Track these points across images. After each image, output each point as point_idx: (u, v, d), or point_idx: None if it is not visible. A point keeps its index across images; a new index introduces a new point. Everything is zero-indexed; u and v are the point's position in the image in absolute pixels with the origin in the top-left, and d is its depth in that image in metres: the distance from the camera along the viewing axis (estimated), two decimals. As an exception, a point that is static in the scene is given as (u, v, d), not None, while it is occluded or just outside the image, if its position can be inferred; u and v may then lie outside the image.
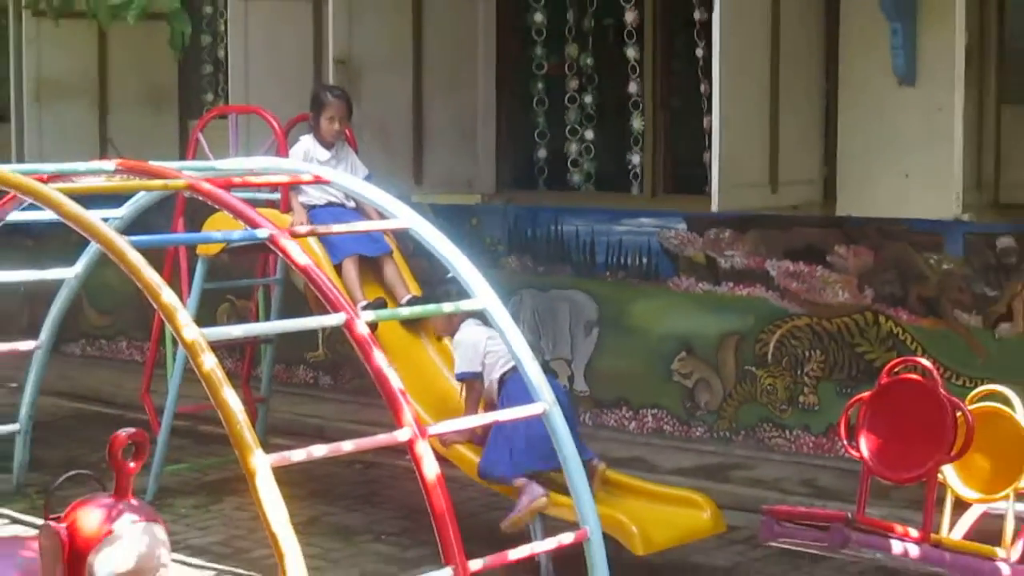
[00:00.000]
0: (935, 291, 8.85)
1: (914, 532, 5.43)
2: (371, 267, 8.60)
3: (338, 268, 8.31)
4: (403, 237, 8.00)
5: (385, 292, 8.50)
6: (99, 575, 4.95)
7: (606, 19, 10.65)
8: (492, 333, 7.40)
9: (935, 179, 8.56)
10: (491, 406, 7.47)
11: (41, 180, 6.05)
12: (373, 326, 7.23)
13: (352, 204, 8.55)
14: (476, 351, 7.56)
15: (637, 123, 10.39)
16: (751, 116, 8.78)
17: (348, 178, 7.29)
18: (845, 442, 5.63)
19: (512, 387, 7.24)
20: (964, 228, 8.66)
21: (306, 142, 8.76)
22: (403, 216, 6.81)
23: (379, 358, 5.70)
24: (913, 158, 8.84)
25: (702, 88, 10.00)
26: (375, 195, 6.94)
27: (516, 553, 6.25)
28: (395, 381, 5.70)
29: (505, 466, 7.30)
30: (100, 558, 4.95)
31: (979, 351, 8.67)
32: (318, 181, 7.28)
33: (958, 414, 5.39)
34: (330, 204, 8.61)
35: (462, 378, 7.65)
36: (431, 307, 7.74)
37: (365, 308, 7.96)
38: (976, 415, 5.53)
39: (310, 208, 8.59)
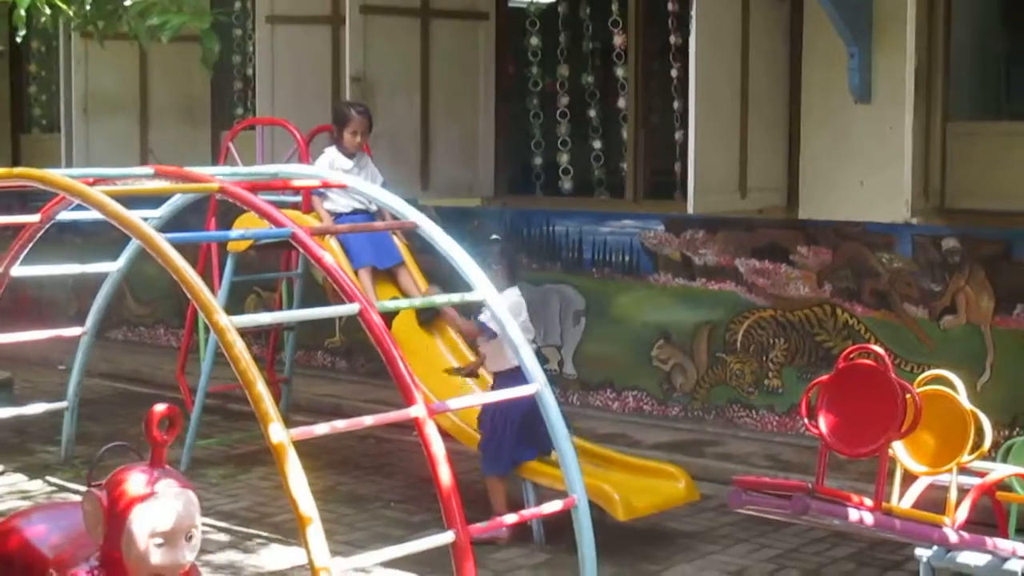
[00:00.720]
0: (886, 286, 8.84)
1: (868, 501, 5.40)
2: (387, 276, 8.56)
3: (355, 275, 8.25)
4: (411, 235, 7.98)
5: (401, 296, 8.45)
6: (136, 534, 4.93)
7: (595, 42, 10.63)
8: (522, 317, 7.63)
9: (887, 187, 8.55)
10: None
11: (87, 183, 6.03)
12: (389, 318, 7.30)
13: (375, 209, 8.47)
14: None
15: (620, 136, 10.37)
16: (723, 129, 8.77)
17: (366, 184, 7.26)
18: (806, 420, 5.61)
19: (500, 383, 7.22)
20: (913, 230, 8.65)
21: (330, 153, 8.65)
22: (411, 216, 6.79)
23: (390, 343, 5.69)
24: (868, 168, 8.84)
25: (675, 105, 10.00)
26: (389, 198, 6.92)
27: (511, 519, 6.25)
28: (405, 364, 5.68)
29: (504, 464, 7.30)
30: (137, 519, 4.93)
31: (925, 340, 8.66)
32: (339, 186, 7.27)
33: (907, 396, 5.37)
34: (355, 211, 8.51)
35: (481, 328, 7.53)
36: (440, 298, 7.73)
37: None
38: (923, 397, 5.51)
39: (337, 215, 8.49)
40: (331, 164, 8.50)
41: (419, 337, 8.32)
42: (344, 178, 7.19)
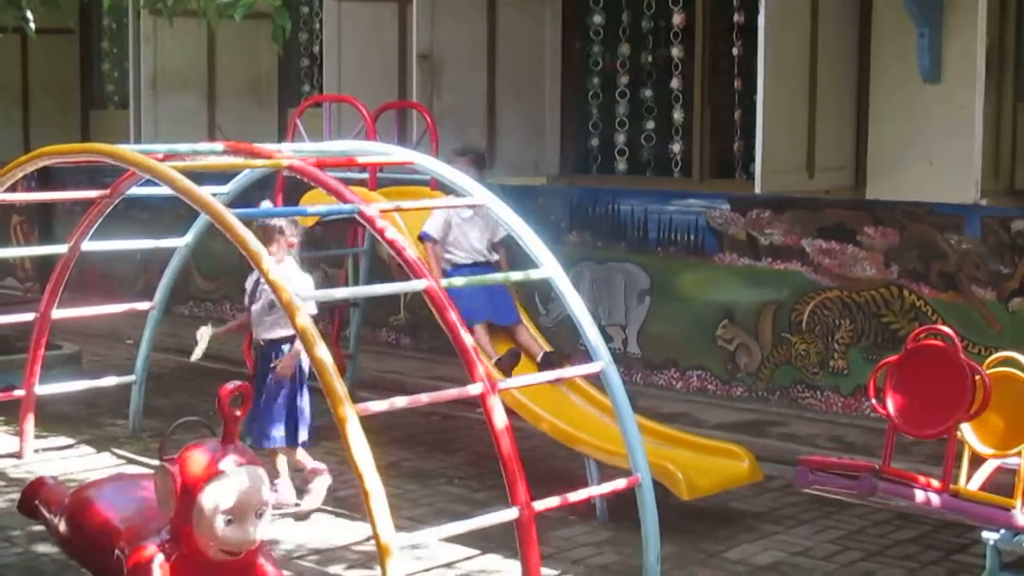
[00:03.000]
0: (954, 268, 8.76)
1: (935, 483, 5.37)
2: (504, 332, 8.28)
3: (472, 331, 7.59)
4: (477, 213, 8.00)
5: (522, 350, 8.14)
6: (207, 509, 4.98)
7: (658, 21, 10.59)
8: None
9: (956, 167, 8.49)
10: None
11: (157, 159, 6.08)
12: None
13: (496, 258, 8.21)
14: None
15: (684, 115, 10.34)
16: (791, 109, 8.72)
17: (436, 163, 7.24)
18: (873, 401, 5.57)
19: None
20: (982, 212, 8.56)
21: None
22: (479, 194, 6.80)
23: (455, 319, 5.70)
24: (937, 148, 8.77)
25: (736, 84, 9.95)
26: (456, 176, 6.93)
27: (575, 496, 6.25)
28: (469, 341, 5.70)
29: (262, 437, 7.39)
30: (208, 494, 4.98)
31: (993, 322, 8.58)
32: (404, 163, 7.28)
33: (976, 377, 5.32)
34: (475, 263, 8.17)
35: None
36: (498, 275, 7.74)
37: (497, 362, 7.79)
38: (992, 378, 5.46)
39: (455, 266, 8.14)
40: (447, 214, 8.09)
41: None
42: (410, 155, 7.20)
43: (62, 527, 5.73)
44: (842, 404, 9.24)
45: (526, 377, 7.04)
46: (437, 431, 9.24)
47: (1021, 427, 5.65)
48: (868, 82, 9.13)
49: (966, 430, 5.68)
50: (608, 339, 9.97)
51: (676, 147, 10.48)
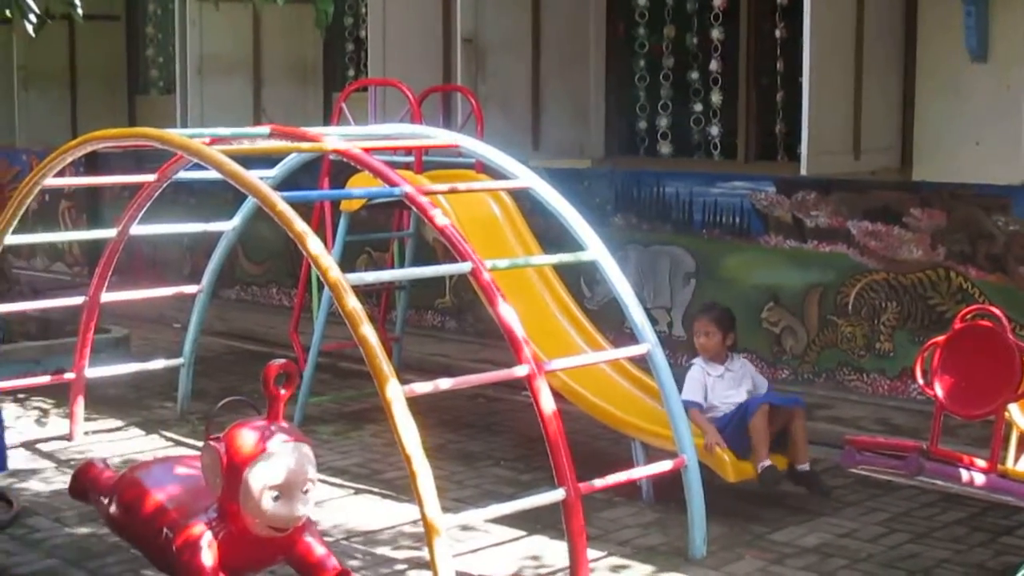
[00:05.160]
0: (1002, 250, 8.71)
1: (981, 463, 5.36)
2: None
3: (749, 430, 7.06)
4: (521, 196, 8.00)
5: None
6: (254, 487, 5.03)
7: (703, 3, 10.55)
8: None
9: (1003, 148, 8.44)
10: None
11: (205, 143, 6.12)
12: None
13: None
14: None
15: (730, 97, 10.30)
16: (836, 90, 8.68)
17: (482, 146, 7.24)
18: (920, 381, 5.56)
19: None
20: (1030, 193, 8.52)
21: (698, 362, 7.39)
22: (524, 177, 6.82)
23: (502, 303, 5.72)
24: (984, 129, 8.70)
25: (778, 66, 9.92)
26: (501, 159, 6.95)
27: (621, 477, 6.27)
28: (516, 323, 5.71)
29: None
30: (255, 472, 5.03)
31: (1041, 304, 8.54)
32: (449, 146, 7.30)
33: (1024, 358, 5.32)
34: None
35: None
36: (544, 258, 7.76)
37: (764, 469, 6.98)
38: (1040, 359, 5.45)
39: (719, 417, 7.22)
40: (700, 373, 7.34)
41: (529, 297, 8.32)
42: (456, 138, 7.22)
43: (112, 508, 5.79)
44: (888, 387, 9.20)
45: (572, 359, 7.05)
46: (483, 413, 9.27)
47: (1070, 408, 5.64)
48: (914, 62, 9.07)
49: (1014, 410, 5.66)
50: (654, 322, 9.92)
51: (715, 130, 10.45)
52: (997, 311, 5.63)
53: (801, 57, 8.52)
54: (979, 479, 5.32)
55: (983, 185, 8.72)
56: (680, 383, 6.80)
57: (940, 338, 5.56)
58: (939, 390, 5.46)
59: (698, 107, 10.57)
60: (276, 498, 5.02)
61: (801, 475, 7.10)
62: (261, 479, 4.99)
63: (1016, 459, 5.71)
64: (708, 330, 7.39)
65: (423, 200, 6.00)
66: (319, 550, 5.31)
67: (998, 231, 8.70)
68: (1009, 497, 5.50)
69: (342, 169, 7.65)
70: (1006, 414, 5.53)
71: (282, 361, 5.17)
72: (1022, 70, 8.11)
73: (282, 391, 5.16)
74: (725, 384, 7.29)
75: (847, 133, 8.81)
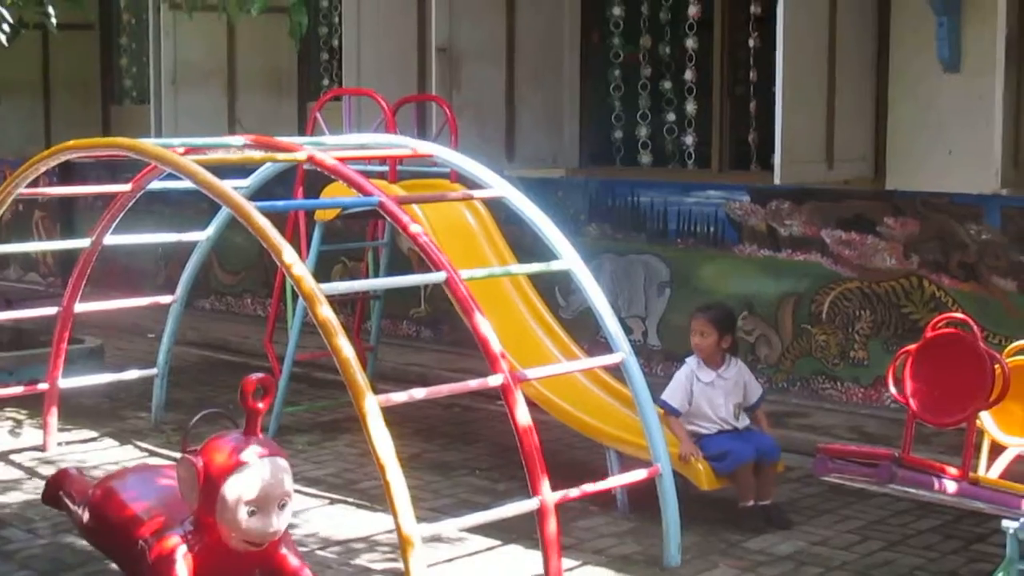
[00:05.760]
0: (974, 258, 8.76)
1: (953, 471, 5.40)
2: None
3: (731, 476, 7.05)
4: (496, 206, 8.02)
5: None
6: (230, 501, 5.03)
7: (677, 12, 10.59)
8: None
9: (976, 157, 8.48)
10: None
11: (178, 153, 6.13)
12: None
13: (743, 426, 7.18)
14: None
15: (704, 106, 10.34)
16: (810, 99, 8.72)
17: (456, 156, 7.27)
18: (893, 389, 5.59)
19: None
20: (1002, 201, 8.56)
21: (691, 363, 7.23)
22: (499, 187, 6.84)
23: (476, 312, 5.74)
24: (956, 138, 8.77)
25: (752, 76, 9.97)
26: (474, 168, 6.97)
27: (596, 486, 6.29)
28: (491, 333, 5.73)
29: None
30: (231, 486, 5.02)
31: (1013, 312, 8.58)
32: (424, 156, 7.31)
33: (995, 366, 5.34)
34: (721, 431, 7.12)
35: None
36: (518, 267, 7.77)
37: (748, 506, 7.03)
38: (1012, 367, 5.48)
39: (696, 438, 7.08)
40: (688, 375, 7.18)
41: (504, 306, 8.34)
42: (430, 148, 7.23)
43: (86, 518, 5.78)
44: (862, 395, 9.25)
45: (546, 368, 7.07)
46: (458, 423, 9.28)
47: (1041, 416, 5.68)
48: (887, 72, 9.13)
49: (985, 418, 5.71)
50: (628, 331, 9.97)
51: (689, 139, 10.49)
52: (968, 319, 5.66)
53: (775, 67, 8.57)
54: (951, 487, 5.35)
55: (956, 194, 8.77)
56: (655, 392, 6.82)
57: (912, 347, 5.59)
58: (911, 398, 5.50)
59: (672, 116, 10.61)
60: (252, 512, 5.02)
61: (763, 508, 7.07)
62: (238, 493, 4.99)
63: (988, 467, 5.75)
64: (704, 330, 7.19)
65: (397, 210, 6.01)
66: (294, 561, 5.31)
67: (971, 240, 8.76)
68: (981, 504, 5.53)
69: (316, 179, 7.65)
70: (977, 422, 5.56)
71: (259, 375, 5.18)
72: (994, 80, 8.16)
73: (260, 405, 5.16)
74: (714, 393, 7.12)
75: (820, 142, 8.86)
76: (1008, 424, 5.76)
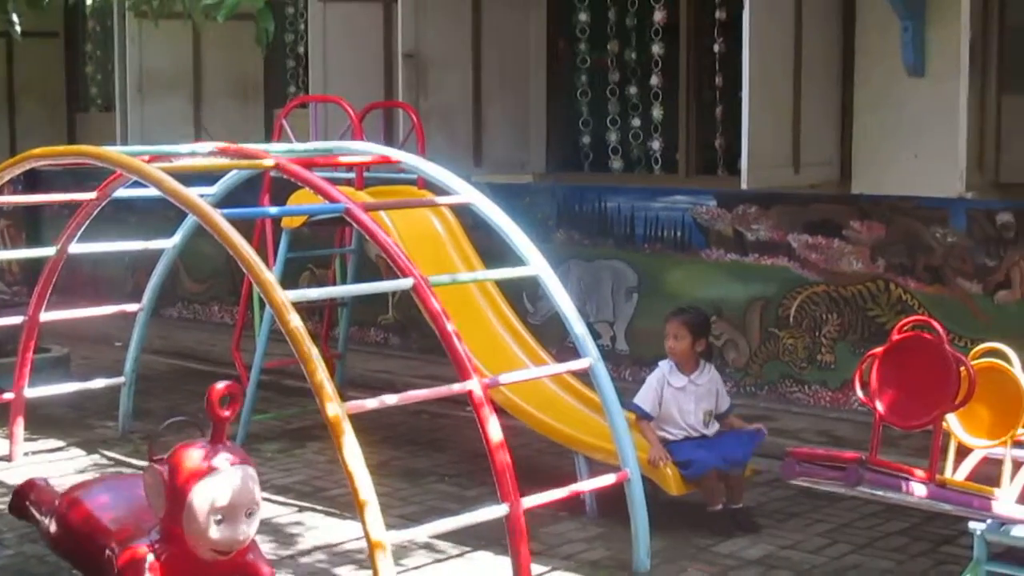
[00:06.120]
0: (940, 261, 8.81)
1: (921, 473, 5.41)
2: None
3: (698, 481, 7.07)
4: (464, 212, 8.02)
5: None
6: (197, 510, 5.01)
7: (644, 18, 10.62)
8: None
9: (941, 161, 8.53)
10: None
11: (144, 161, 6.11)
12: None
13: (711, 432, 7.17)
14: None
15: (671, 112, 10.37)
16: (776, 104, 8.75)
17: (423, 162, 7.28)
18: (859, 393, 5.60)
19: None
20: (967, 205, 8.61)
21: (663, 368, 7.22)
22: (466, 193, 6.84)
23: (444, 318, 5.74)
24: (921, 142, 8.81)
25: (718, 81, 9.99)
26: (443, 175, 6.98)
27: (565, 492, 6.29)
28: (458, 339, 5.73)
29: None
30: (198, 494, 5.00)
31: (980, 315, 8.63)
32: (391, 162, 7.31)
33: (961, 368, 5.35)
34: (687, 438, 7.12)
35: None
36: (486, 273, 7.77)
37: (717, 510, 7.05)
38: (977, 369, 5.49)
39: (666, 443, 7.08)
40: (659, 380, 7.17)
41: (472, 312, 8.34)
42: (397, 154, 7.23)
43: (53, 528, 5.76)
44: (830, 398, 9.28)
45: (514, 374, 7.07)
46: (427, 430, 9.28)
47: (1006, 418, 5.70)
48: (852, 76, 9.17)
49: (952, 421, 5.72)
50: (596, 336, 10.02)
51: (657, 144, 10.51)
52: (934, 322, 5.68)
53: (741, 72, 8.59)
54: (918, 489, 5.36)
55: (921, 198, 8.82)
56: (624, 397, 6.82)
57: (878, 350, 5.61)
58: (878, 401, 5.51)
59: (639, 122, 10.63)
60: (220, 521, 5.00)
61: (732, 512, 7.10)
62: (205, 502, 4.97)
63: (955, 469, 5.77)
64: (678, 333, 7.18)
65: (364, 216, 6.01)
66: (263, 570, 5.30)
67: (936, 243, 8.80)
68: (948, 507, 5.54)
69: (283, 186, 7.65)
70: (944, 424, 5.58)
71: (226, 383, 5.16)
72: (958, 84, 8.20)
73: (226, 413, 5.14)
74: (685, 398, 7.12)
75: (787, 147, 8.89)
76: (974, 426, 5.78)
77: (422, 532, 5.84)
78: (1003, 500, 5.49)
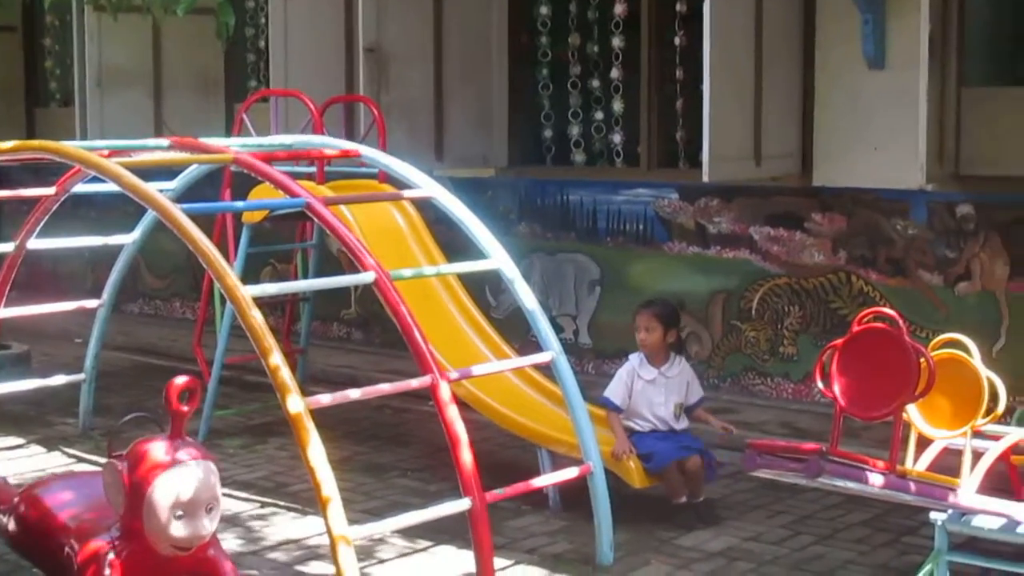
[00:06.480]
0: (901, 253, 8.85)
1: (881, 464, 5.44)
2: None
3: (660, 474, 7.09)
4: (426, 206, 8.00)
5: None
6: (157, 505, 4.99)
7: (605, 11, 10.62)
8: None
9: (902, 153, 8.55)
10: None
11: (103, 156, 6.07)
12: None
13: (680, 427, 7.21)
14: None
15: (632, 105, 10.38)
16: (737, 97, 8.76)
17: (384, 156, 7.26)
18: (820, 384, 5.63)
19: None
20: (927, 197, 8.65)
21: (633, 360, 7.25)
22: (427, 187, 6.83)
23: (406, 312, 5.73)
24: (882, 134, 8.83)
25: (679, 74, 10.01)
26: (405, 170, 6.96)
27: (528, 486, 6.29)
28: (420, 333, 5.72)
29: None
30: (158, 490, 4.98)
31: (941, 307, 8.68)
32: (351, 156, 7.29)
33: (921, 359, 5.38)
34: (654, 431, 7.16)
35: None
36: (453, 267, 7.76)
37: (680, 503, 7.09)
38: (937, 360, 5.52)
39: (631, 434, 7.13)
40: (630, 373, 7.20)
41: (434, 307, 8.33)
42: (358, 148, 7.21)
43: (12, 526, 5.72)
44: (792, 390, 9.32)
45: (477, 368, 7.06)
46: (389, 424, 9.27)
47: (966, 408, 5.72)
48: (813, 69, 9.19)
49: (912, 412, 5.74)
50: (559, 329, 10.03)
51: (618, 137, 10.52)
52: (894, 313, 5.71)
53: (702, 65, 8.61)
54: (878, 480, 5.39)
55: (882, 190, 8.86)
56: (586, 390, 6.83)
57: (839, 341, 5.63)
58: (838, 392, 5.53)
59: (600, 115, 10.64)
60: (180, 516, 4.98)
61: (694, 505, 7.12)
62: (164, 497, 4.95)
63: (915, 460, 5.80)
64: (648, 325, 7.19)
65: (324, 211, 5.99)
66: (224, 566, 5.28)
67: (897, 235, 8.84)
68: (908, 497, 5.57)
69: (244, 181, 7.62)
70: (904, 415, 5.61)
71: (185, 378, 5.14)
72: (919, 77, 8.24)
73: (185, 407, 5.11)
74: (654, 391, 7.14)
75: (748, 140, 8.91)
76: (935, 417, 5.80)
77: (385, 527, 5.84)
78: (964, 490, 5.52)
